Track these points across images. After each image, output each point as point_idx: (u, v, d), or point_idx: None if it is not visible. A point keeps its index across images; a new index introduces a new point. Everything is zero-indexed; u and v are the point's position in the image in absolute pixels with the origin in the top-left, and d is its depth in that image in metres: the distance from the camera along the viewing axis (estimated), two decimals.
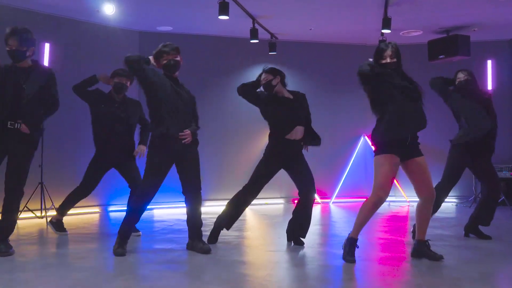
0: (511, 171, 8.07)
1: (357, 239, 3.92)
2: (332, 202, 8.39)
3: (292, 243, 4.63)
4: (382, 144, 3.91)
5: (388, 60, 4.00)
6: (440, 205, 5.01)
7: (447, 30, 7.82)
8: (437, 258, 3.92)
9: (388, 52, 4.01)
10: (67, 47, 6.95)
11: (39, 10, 6.67)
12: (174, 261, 3.99)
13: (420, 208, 4.03)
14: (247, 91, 4.61)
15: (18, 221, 5.41)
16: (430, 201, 3.99)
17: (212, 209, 6.68)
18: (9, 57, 4.18)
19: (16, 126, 4.09)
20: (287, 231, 4.72)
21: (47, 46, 6.59)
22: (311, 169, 4.63)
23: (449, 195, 6.90)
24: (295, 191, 4.69)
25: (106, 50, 7.34)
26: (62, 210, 5.35)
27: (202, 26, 7.63)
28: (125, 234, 4.20)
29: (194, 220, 4.31)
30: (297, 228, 4.63)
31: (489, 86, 8.11)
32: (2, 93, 4.09)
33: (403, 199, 8.44)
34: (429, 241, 4.03)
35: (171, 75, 4.28)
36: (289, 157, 4.53)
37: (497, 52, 8.46)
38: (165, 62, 4.26)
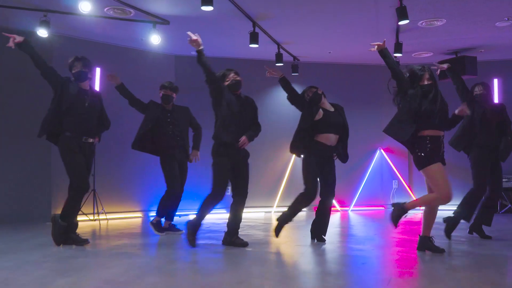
0: None
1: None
2: (351, 210, 9.11)
3: (315, 240, 5.38)
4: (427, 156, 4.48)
5: (426, 82, 4.58)
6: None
7: (456, 51, 8.56)
8: (439, 251, 4.61)
9: (426, 75, 4.60)
10: (114, 71, 7.85)
11: (91, 39, 7.61)
12: (218, 252, 4.78)
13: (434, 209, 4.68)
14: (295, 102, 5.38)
15: None
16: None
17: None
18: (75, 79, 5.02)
19: (90, 141, 4.98)
20: (311, 230, 5.46)
21: (98, 70, 7.51)
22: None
23: (456, 202, 7.56)
24: (316, 200, 5.38)
25: (146, 72, 8.25)
26: (159, 212, 6.08)
27: (232, 51, 8.47)
28: (195, 228, 4.98)
29: (236, 220, 5.06)
30: (318, 227, 5.38)
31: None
32: (69, 108, 4.96)
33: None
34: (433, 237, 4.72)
35: (234, 93, 5.02)
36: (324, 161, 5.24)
37: (503, 70, 9.14)
38: (227, 82, 5.02)
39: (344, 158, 5.44)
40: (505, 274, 3.93)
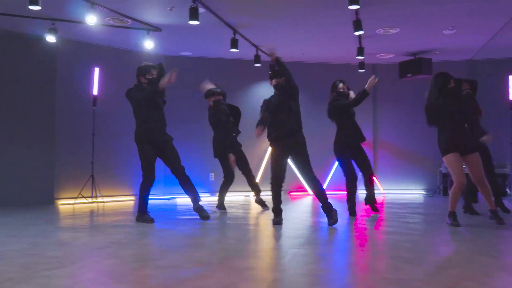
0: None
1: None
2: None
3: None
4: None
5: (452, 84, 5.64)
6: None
7: (414, 53, 9.66)
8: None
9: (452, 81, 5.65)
10: (111, 70, 8.84)
11: (91, 42, 8.58)
12: (201, 223, 5.87)
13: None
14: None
15: (75, 206, 7.48)
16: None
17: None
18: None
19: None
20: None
21: (96, 70, 8.50)
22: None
23: (417, 187, 8.81)
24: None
25: None
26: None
27: (216, 51, 9.47)
28: (277, 210, 5.82)
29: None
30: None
31: None
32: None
33: (379, 191, 10.26)
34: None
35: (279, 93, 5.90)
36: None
37: (456, 70, 10.22)
38: (275, 83, 5.95)
39: None
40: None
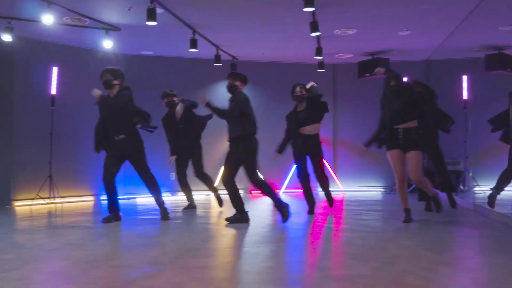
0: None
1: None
2: (283, 192, 10.35)
3: None
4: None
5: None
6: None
7: (372, 53, 9.87)
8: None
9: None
10: (70, 69, 8.73)
11: (49, 40, 8.47)
12: (158, 223, 5.90)
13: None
14: None
15: (32, 207, 7.45)
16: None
17: None
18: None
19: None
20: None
21: (55, 69, 8.40)
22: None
23: (376, 185, 9.04)
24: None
25: (98, 70, 9.15)
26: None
27: (177, 51, 9.47)
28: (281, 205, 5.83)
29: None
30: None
31: None
32: None
33: (338, 189, 10.48)
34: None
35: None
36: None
37: (413, 70, 10.50)
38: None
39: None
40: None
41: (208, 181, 7.39)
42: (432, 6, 7.03)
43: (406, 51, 9.71)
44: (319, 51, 8.55)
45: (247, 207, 5.94)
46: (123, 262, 3.83)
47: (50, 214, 7.19)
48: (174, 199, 9.09)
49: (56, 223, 6.43)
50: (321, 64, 9.70)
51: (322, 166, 6.74)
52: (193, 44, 7.70)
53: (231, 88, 5.98)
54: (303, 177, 6.68)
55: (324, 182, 6.75)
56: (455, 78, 9.92)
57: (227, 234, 5.28)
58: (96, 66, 9.11)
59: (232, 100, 5.93)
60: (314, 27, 6.88)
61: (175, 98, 7.19)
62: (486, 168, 9.54)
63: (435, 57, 10.24)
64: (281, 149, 6.78)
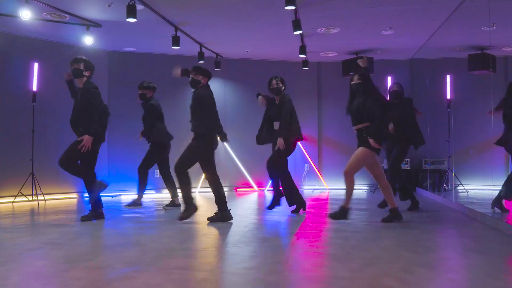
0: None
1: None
2: (267, 190, 10.34)
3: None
4: None
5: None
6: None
7: (356, 52, 9.89)
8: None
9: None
10: (51, 65, 8.62)
11: (30, 36, 8.35)
12: (143, 222, 5.85)
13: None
14: None
15: (15, 204, 7.34)
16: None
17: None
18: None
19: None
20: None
21: (36, 65, 8.29)
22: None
23: (360, 183, 9.07)
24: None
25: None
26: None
27: (160, 47, 9.40)
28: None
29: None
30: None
31: (388, 98, 10.20)
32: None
33: (324, 187, 10.50)
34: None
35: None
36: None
37: (398, 69, 10.59)
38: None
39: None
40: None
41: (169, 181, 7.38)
42: (414, 5, 7.04)
43: (390, 50, 9.74)
44: (302, 50, 8.55)
45: (232, 205, 5.92)
46: (101, 263, 3.80)
47: (32, 212, 7.10)
48: (159, 197, 9.04)
49: (37, 221, 6.35)
50: (305, 63, 9.71)
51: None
52: (175, 41, 7.64)
53: (193, 83, 5.95)
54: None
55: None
56: (439, 77, 9.97)
57: (208, 234, 5.26)
58: None
59: (196, 96, 5.88)
60: (296, 25, 6.87)
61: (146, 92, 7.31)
62: (469, 167, 9.64)
63: (419, 56, 10.29)
64: (259, 140, 6.76)
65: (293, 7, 5.93)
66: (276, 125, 6.56)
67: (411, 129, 6.97)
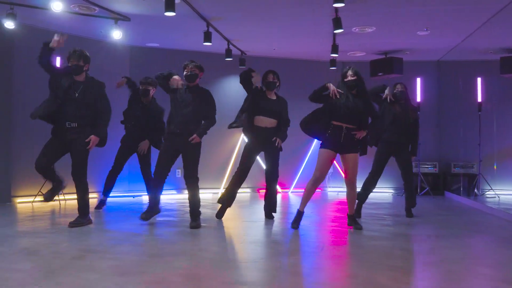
0: (435, 167, 9.95)
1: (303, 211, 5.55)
2: (291, 192, 10.06)
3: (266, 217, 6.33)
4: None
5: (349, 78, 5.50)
6: (369, 194, 6.68)
7: (385, 52, 9.60)
8: (358, 228, 5.57)
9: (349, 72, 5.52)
10: None
11: (53, 29, 7.99)
12: (176, 226, 5.56)
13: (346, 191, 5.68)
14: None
15: (34, 204, 7.04)
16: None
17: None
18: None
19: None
20: (264, 209, 6.38)
21: (58, 59, 7.96)
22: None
23: (386, 186, 8.75)
24: (260, 182, 6.30)
25: (102, 61, 8.75)
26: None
27: (188, 44, 9.11)
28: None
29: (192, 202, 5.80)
30: (267, 206, 6.31)
31: (418, 99, 9.95)
32: None
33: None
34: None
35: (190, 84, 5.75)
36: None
37: (426, 70, 10.31)
38: (185, 72, 5.72)
39: (283, 138, 6.31)
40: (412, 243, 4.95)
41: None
42: (455, 6, 6.77)
43: (420, 50, 9.46)
44: (335, 48, 8.24)
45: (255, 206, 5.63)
46: (157, 276, 3.50)
47: (55, 213, 6.81)
48: (182, 197, 8.75)
49: (65, 223, 5.99)
50: (333, 62, 9.41)
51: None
52: (207, 37, 7.34)
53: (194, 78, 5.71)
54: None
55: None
56: (469, 80, 9.72)
57: (252, 242, 4.96)
58: (101, 57, 8.78)
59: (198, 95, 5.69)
60: (337, 23, 6.57)
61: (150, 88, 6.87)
62: (500, 171, 9.39)
63: (448, 58, 10.02)
64: (234, 124, 6.40)
65: (342, 4, 5.65)
66: (269, 122, 6.17)
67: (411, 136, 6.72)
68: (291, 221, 5.60)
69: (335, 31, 6.75)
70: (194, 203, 5.63)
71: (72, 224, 5.49)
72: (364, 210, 6.71)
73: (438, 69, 10.41)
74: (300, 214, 5.55)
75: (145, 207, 5.89)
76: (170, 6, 5.70)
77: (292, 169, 10.16)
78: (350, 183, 5.55)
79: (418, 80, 9.97)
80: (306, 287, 3.31)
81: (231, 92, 9.68)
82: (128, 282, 3.31)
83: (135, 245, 4.67)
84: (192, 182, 5.64)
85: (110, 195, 7.21)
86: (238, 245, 4.81)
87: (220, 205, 6.24)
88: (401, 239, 5.15)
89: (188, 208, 5.69)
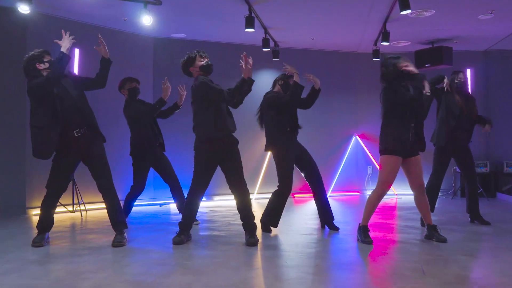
0: (486, 167, 9.07)
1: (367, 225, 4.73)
2: (329, 196, 9.16)
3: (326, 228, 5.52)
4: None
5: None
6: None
7: (432, 42, 8.72)
8: (441, 239, 4.71)
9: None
10: (95, 52, 7.41)
11: (69, 17, 7.14)
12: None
13: (417, 198, 4.81)
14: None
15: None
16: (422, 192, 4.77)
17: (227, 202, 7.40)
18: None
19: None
20: (320, 218, 5.54)
21: (76, 51, 7.08)
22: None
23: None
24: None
25: (124, 54, 7.86)
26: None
27: (218, 35, 8.25)
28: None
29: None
30: (323, 216, 5.42)
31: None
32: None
33: (391, 192, 9.34)
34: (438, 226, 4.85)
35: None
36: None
37: (474, 61, 9.44)
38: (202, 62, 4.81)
39: None
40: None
41: None
42: None
43: (469, 39, 8.59)
44: (386, 36, 7.38)
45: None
46: None
47: (74, 227, 5.92)
48: (212, 205, 7.87)
49: (96, 241, 5.09)
50: (376, 52, 8.55)
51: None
52: (249, 22, 6.46)
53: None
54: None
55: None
56: None
57: (317, 257, 4.08)
58: (123, 49, 7.88)
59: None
60: (404, 4, 5.68)
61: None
62: None
63: (497, 47, 9.16)
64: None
65: None
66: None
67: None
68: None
69: (402, 12, 5.84)
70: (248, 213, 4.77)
71: (117, 243, 4.60)
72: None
73: (486, 60, 9.55)
74: (365, 228, 4.73)
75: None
76: None
77: (329, 171, 9.29)
78: (422, 188, 4.76)
79: (468, 71, 9.07)
80: None
81: (264, 86, 8.78)
82: None
83: (193, 272, 3.77)
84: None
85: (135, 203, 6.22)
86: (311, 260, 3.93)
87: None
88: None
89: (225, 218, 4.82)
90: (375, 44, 8.49)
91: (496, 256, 4.23)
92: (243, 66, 4.58)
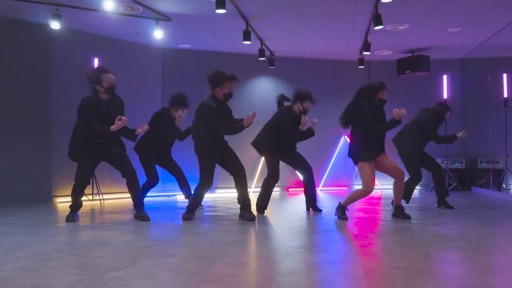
0: (462, 163, 10.04)
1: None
2: (320, 190, 10.15)
3: (310, 210, 6.48)
4: None
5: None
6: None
7: (412, 50, 9.73)
8: (406, 217, 5.68)
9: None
10: (110, 61, 8.42)
11: (88, 31, 8.17)
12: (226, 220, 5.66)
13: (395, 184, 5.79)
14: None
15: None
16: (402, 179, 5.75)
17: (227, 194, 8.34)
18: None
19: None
20: (306, 203, 6.55)
21: (96, 60, 8.09)
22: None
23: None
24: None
25: (138, 63, 8.90)
26: None
27: (221, 45, 9.27)
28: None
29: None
30: (308, 201, 6.42)
31: (445, 96, 10.07)
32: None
33: (376, 187, 10.30)
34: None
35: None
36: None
37: (451, 68, 10.43)
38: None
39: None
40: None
41: None
42: (488, 0, 6.88)
43: (446, 48, 9.59)
44: (367, 47, 8.38)
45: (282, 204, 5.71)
46: (238, 258, 3.59)
47: (93, 211, 6.89)
48: (211, 196, 8.83)
49: (120, 218, 6.07)
50: (361, 61, 9.54)
51: None
52: (246, 36, 7.45)
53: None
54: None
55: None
56: (494, 76, 9.83)
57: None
58: (134, 59, 8.90)
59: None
60: (377, 20, 6.69)
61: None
62: None
63: (473, 55, 10.14)
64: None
65: (389, 0, 5.77)
66: None
67: None
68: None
69: (376, 28, 6.85)
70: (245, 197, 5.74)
71: (143, 217, 5.64)
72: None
73: (462, 67, 10.53)
74: (344, 207, 5.67)
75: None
76: (221, 4, 5.80)
77: (320, 167, 10.23)
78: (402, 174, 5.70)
79: (445, 77, 10.07)
80: None
81: (261, 91, 9.83)
82: (208, 264, 3.39)
83: (193, 235, 4.76)
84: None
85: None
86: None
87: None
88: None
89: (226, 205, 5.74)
90: (360, 53, 9.47)
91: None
92: (248, 119, 5.46)
